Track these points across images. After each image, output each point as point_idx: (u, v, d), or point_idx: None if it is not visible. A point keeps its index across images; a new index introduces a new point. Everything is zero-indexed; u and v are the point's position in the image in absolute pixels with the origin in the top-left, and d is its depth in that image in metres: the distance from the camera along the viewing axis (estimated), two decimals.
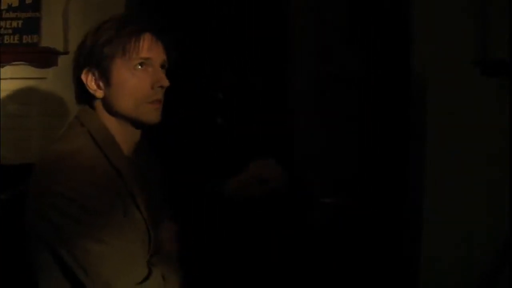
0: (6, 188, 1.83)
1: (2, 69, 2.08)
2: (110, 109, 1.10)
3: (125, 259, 0.99)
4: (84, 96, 1.11)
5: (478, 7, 1.75)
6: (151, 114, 1.10)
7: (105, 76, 1.07)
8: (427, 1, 1.84)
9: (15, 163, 1.97)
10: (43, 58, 2.09)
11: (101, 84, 1.08)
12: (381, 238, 2.16)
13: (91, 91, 1.09)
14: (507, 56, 1.72)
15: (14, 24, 2.14)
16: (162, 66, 1.13)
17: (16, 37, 2.14)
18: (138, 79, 1.07)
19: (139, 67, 1.08)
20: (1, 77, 2.07)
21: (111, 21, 1.11)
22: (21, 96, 2.08)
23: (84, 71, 1.08)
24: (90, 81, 1.08)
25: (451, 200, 1.88)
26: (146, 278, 1.01)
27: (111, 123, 1.10)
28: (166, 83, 1.10)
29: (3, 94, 2.06)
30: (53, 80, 2.10)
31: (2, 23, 2.14)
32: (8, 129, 2.03)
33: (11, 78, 2.09)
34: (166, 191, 1.28)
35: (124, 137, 1.12)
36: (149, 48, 1.09)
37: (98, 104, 1.10)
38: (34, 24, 2.13)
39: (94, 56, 1.06)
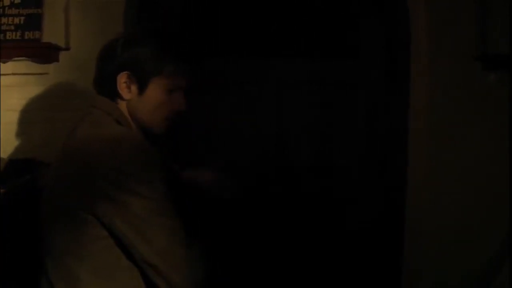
0: (8, 182, 1.83)
1: (3, 65, 2.08)
2: (130, 110, 1.18)
3: (180, 228, 1.06)
4: (107, 89, 1.17)
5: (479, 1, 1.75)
6: (162, 127, 1.21)
7: (140, 87, 1.16)
8: None
9: (16, 158, 1.98)
10: (44, 53, 2.09)
11: (132, 89, 1.16)
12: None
13: (120, 91, 1.16)
14: (507, 50, 1.73)
15: (16, 20, 2.15)
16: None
17: (18, 34, 2.15)
18: (168, 100, 1.18)
19: (173, 91, 1.18)
20: (2, 73, 2.07)
21: (156, 33, 1.19)
22: (22, 91, 2.08)
23: (123, 74, 1.14)
24: (123, 83, 1.15)
25: (451, 199, 1.88)
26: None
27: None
28: (184, 107, 1.21)
29: (4, 89, 2.07)
30: (54, 75, 2.10)
31: (4, 20, 2.14)
32: (9, 124, 2.04)
33: (12, 74, 2.09)
34: None
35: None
36: (185, 77, 1.19)
37: (121, 103, 1.18)
38: (35, 21, 2.13)
39: (136, 65, 1.14)
